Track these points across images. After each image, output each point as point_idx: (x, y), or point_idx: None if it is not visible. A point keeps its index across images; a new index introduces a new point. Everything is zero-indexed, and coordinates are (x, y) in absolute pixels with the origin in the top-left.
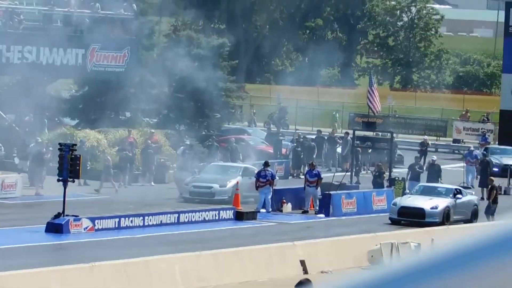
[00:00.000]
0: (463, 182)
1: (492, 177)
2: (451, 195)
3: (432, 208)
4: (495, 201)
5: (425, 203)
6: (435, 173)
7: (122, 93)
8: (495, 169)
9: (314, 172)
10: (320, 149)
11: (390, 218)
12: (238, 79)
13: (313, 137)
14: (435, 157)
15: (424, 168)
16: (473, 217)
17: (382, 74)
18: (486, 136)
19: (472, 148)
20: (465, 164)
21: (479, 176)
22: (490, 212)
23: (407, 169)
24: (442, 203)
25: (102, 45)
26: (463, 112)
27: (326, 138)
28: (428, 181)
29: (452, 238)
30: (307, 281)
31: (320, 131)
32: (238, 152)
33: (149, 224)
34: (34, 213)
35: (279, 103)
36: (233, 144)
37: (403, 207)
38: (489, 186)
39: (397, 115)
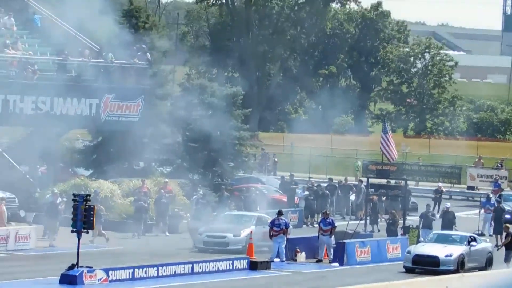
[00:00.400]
0: (478, 230)
1: (508, 224)
2: (465, 243)
3: (446, 256)
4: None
5: (439, 251)
6: (449, 220)
7: (135, 143)
8: (507, 216)
9: (328, 220)
10: (332, 197)
11: (404, 267)
12: (251, 127)
13: (325, 185)
14: (449, 204)
15: (438, 215)
16: (487, 264)
17: (395, 121)
18: (499, 182)
19: (490, 196)
20: (483, 212)
21: (493, 223)
22: (509, 259)
23: (418, 217)
24: (456, 250)
25: (116, 94)
26: (477, 159)
27: (337, 186)
28: (442, 229)
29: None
30: None
31: (331, 179)
32: (255, 201)
33: (163, 274)
34: (48, 264)
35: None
36: (252, 194)
37: (417, 255)
38: (506, 233)
39: (420, 163)
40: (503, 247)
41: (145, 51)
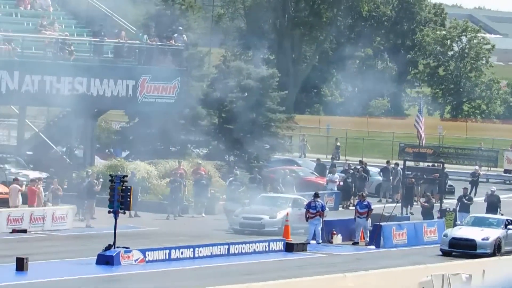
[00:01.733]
0: None
1: None
2: (502, 226)
3: (483, 239)
4: None
5: (476, 234)
6: (494, 203)
7: (172, 124)
8: None
9: (364, 203)
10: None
11: (441, 250)
12: (287, 110)
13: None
14: (494, 188)
15: (483, 199)
16: None
17: (432, 104)
18: None
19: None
20: None
21: None
22: None
23: (456, 200)
24: (493, 234)
25: (153, 76)
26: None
27: (380, 169)
28: (487, 212)
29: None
30: None
31: (361, 161)
32: (292, 183)
33: (199, 255)
34: (84, 245)
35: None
36: (287, 176)
37: (454, 238)
38: None
39: (482, 148)
40: None
41: (181, 33)
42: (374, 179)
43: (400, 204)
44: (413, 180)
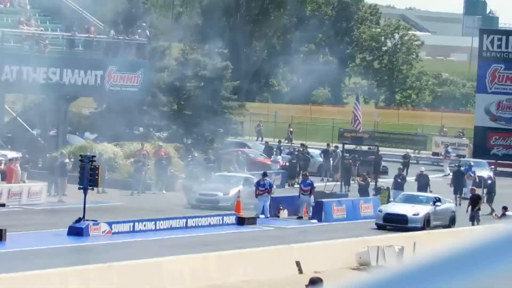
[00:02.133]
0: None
1: (474, 187)
2: (431, 203)
3: (414, 214)
4: (479, 209)
5: (407, 210)
6: (424, 183)
7: (136, 110)
8: (490, 182)
9: (308, 181)
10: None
11: (376, 224)
12: (239, 98)
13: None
14: (423, 168)
15: (414, 178)
16: (451, 222)
17: (368, 93)
18: (449, 149)
19: (472, 164)
20: (466, 179)
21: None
22: (476, 219)
23: (392, 180)
24: (423, 210)
25: (119, 67)
26: (440, 128)
27: (321, 151)
28: (418, 191)
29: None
30: (318, 279)
31: (303, 145)
32: (244, 163)
33: (160, 228)
34: (57, 218)
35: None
36: (239, 157)
37: (388, 214)
38: (474, 196)
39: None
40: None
41: (145, 28)
42: (316, 160)
43: (339, 183)
44: (351, 161)
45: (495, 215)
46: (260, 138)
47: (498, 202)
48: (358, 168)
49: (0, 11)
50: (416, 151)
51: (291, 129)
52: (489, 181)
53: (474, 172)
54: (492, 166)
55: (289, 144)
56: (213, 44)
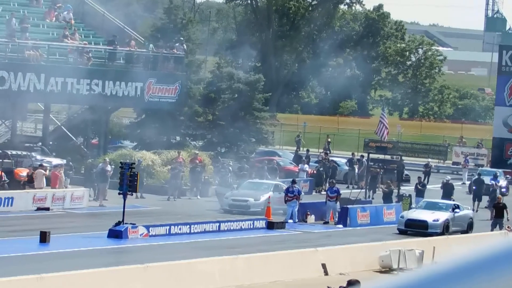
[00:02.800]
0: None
1: (500, 196)
2: (450, 210)
3: (434, 220)
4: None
5: (428, 216)
6: (448, 191)
7: (173, 120)
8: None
9: (334, 189)
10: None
11: (398, 229)
12: (270, 109)
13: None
14: (449, 177)
15: (440, 186)
16: (469, 228)
17: (392, 105)
18: (468, 159)
19: (498, 174)
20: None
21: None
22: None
23: (413, 188)
24: (442, 216)
25: (157, 79)
26: (459, 139)
27: (346, 160)
28: (442, 198)
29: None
30: (356, 281)
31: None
32: (276, 171)
33: (194, 231)
34: (97, 221)
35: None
36: (274, 165)
37: (409, 220)
38: (500, 204)
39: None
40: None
41: (182, 43)
42: (342, 169)
43: (364, 190)
44: (378, 170)
45: (508, 227)
46: (298, 148)
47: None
48: (382, 176)
49: (47, 26)
50: (441, 161)
51: (329, 140)
52: (503, 189)
53: (498, 182)
54: (508, 176)
55: (330, 155)
56: (247, 58)
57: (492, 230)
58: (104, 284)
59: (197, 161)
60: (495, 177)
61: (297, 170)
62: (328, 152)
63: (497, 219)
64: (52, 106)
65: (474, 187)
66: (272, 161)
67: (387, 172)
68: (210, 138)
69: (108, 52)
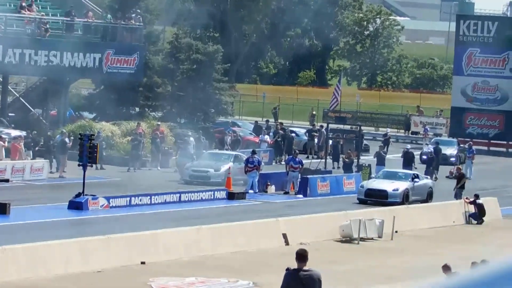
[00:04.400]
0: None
1: (460, 166)
2: (409, 179)
3: (393, 190)
4: (463, 187)
5: (387, 185)
6: (409, 159)
7: (132, 91)
8: (424, 157)
9: (297, 159)
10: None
11: (358, 199)
12: (229, 79)
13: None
14: (409, 146)
15: (401, 155)
16: (428, 197)
17: (351, 75)
18: (427, 128)
19: (471, 143)
20: (466, 160)
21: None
22: (459, 196)
23: (374, 157)
24: (402, 185)
25: (116, 50)
26: (417, 109)
27: (306, 130)
28: (403, 167)
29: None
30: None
31: (281, 124)
32: (239, 142)
33: (155, 202)
34: (58, 193)
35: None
36: (238, 137)
37: (369, 189)
38: (459, 174)
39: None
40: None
41: (140, 14)
42: (301, 139)
43: (323, 160)
44: (340, 140)
45: (467, 198)
46: (276, 120)
47: (475, 180)
48: (342, 146)
49: None
50: (400, 131)
51: (314, 112)
52: (452, 159)
53: (473, 152)
54: (462, 145)
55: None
56: (205, 28)
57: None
58: (65, 256)
59: (158, 132)
60: (469, 148)
61: (258, 141)
62: (281, 122)
63: (457, 189)
64: (10, 78)
65: (433, 156)
66: (234, 132)
67: (346, 142)
68: (170, 109)
69: (66, 23)
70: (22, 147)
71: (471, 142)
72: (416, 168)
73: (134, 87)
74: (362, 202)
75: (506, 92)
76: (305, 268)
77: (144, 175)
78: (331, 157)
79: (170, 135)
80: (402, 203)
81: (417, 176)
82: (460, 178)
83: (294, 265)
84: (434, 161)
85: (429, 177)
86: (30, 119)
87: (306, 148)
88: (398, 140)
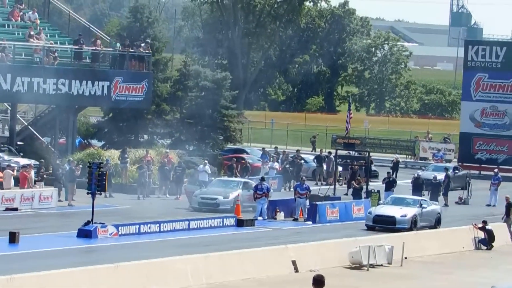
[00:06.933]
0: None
1: (508, 196)
2: (417, 205)
3: (402, 216)
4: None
5: (395, 212)
6: (419, 185)
7: (140, 119)
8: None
9: (304, 186)
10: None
11: (366, 225)
12: (238, 106)
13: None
14: (420, 172)
15: (411, 181)
16: (436, 223)
17: (359, 101)
18: (442, 154)
19: (497, 171)
20: (491, 187)
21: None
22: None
23: (382, 183)
24: (410, 212)
25: (124, 78)
26: (426, 134)
27: (314, 156)
28: (413, 193)
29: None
30: None
31: (298, 151)
32: (248, 169)
33: (164, 230)
34: (66, 221)
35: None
36: (247, 164)
37: (377, 215)
38: (508, 203)
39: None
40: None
41: (148, 42)
42: (310, 165)
43: (332, 186)
44: (357, 167)
45: (475, 225)
46: (314, 149)
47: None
48: (350, 172)
49: (12, 26)
50: (408, 156)
51: (315, 138)
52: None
53: (499, 179)
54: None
55: (314, 153)
56: (213, 55)
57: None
58: (75, 284)
59: (166, 160)
60: (495, 175)
61: (267, 168)
62: (298, 150)
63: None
64: (18, 106)
65: (438, 181)
66: (242, 159)
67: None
68: (178, 136)
69: (74, 51)
70: (31, 176)
71: (497, 170)
72: (424, 195)
73: (142, 114)
74: (370, 228)
75: None
76: None
77: (153, 203)
78: (340, 183)
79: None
80: (410, 229)
81: (425, 202)
82: (508, 208)
83: None
84: (443, 187)
85: (437, 202)
86: (39, 147)
87: (315, 175)
88: (407, 166)
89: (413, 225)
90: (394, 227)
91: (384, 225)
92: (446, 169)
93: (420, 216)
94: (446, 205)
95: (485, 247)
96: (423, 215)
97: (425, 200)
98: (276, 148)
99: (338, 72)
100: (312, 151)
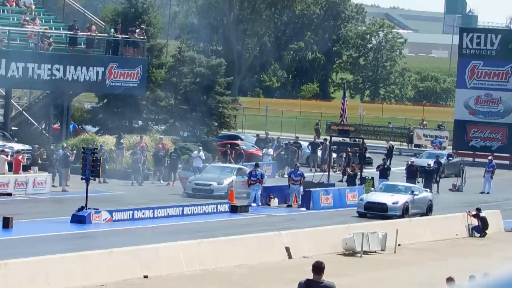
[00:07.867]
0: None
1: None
2: (409, 192)
3: (393, 203)
4: None
5: (387, 199)
6: (413, 172)
7: (135, 104)
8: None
9: (299, 172)
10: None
11: (357, 212)
12: (232, 93)
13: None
14: (413, 159)
15: (404, 168)
16: (428, 211)
17: (354, 88)
18: (440, 140)
19: (491, 158)
20: (485, 174)
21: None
22: None
23: (376, 170)
24: (401, 199)
25: (119, 64)
26: (420, 121)
27: (308, 143)
28: (407, 181)
29: None
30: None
31: (297, 138)
32: (242, 155)
33: (158, 216)
34: (60, 207)
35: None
36: (242, 150)
37: (368, 202)
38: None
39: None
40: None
41: (143, 28)
42: (305, 152)
43: (326, 173)
44: (351, 153)
45: (469, 212)
46: (318, 136)
47: (475, 193)
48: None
49: (6, 11)
50: (403, 143)
51: (318, 126)
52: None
53: (493, 166)
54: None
55: (318, 140)
56: (208, 42)
57: None
58: (68, 270)
59: (160, 146)
60: (489, 162)
61: (260, 154)
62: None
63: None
64: (13, 92)
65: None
66: (237, 145)
67: (349, 155)
68: (172, 122)
69: (69, 37)
70: (25, 161)
71: (491, 157)
72: (418, 182)
73: (137, 100)
74: (362, 215)
75: (509, 104)
76: (318, 280)
77: (147, 189)
78: (334, 170)
79: (172, 148)
80: (402, 216)
81: (417, 189)
82: None
83: (299, 279)
84: (435, 175)
85: (428, 190)
86: (33, 133)
87: (309, 161)
88: (401, 153)
89: (405, 212)
90: (386, 214)
91: (375, 212)
92: (438, 156)
93: (411, 203)
94: (437, 192)
95: (479, 234)
96: (414, 202)
97: (416, 187)
98: (266, 134)
99: (333, 59)
100: (314, 138)
